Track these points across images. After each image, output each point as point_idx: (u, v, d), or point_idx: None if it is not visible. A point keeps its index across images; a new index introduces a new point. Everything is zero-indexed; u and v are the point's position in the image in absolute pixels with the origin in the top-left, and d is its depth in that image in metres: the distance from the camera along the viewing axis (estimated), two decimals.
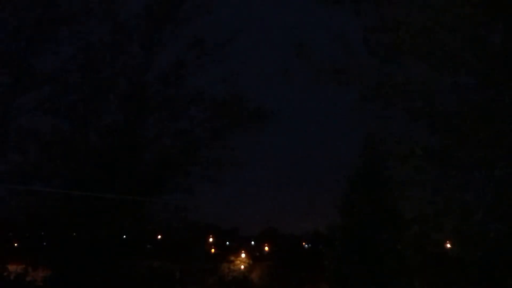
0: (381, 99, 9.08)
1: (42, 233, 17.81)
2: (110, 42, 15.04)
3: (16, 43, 13.65)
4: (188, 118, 15.58)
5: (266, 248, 58.46)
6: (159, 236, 19.64)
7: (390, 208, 16.05)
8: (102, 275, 13.91)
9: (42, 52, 13.93)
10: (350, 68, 9.15)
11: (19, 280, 16.05)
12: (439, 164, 8.95)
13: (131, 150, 14.84)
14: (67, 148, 14.73)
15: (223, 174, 15.85)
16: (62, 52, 14.12)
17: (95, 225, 13.93)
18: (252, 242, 63.02)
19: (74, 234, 15.16)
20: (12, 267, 16.71)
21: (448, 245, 13.15)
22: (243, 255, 47.04)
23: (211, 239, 50.03)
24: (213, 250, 47.96)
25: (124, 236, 15.75)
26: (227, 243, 56.11)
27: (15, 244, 21.23)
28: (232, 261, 43.07)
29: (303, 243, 52.40)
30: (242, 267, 43.36)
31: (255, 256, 51.62)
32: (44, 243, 17.95)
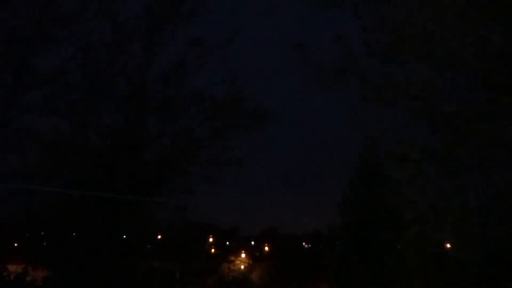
0: (381, 99, 9.07)
1: (42, 233, 17.82)
2: (110, 42, 15.05)
3: (16, 43, 13.64)
4: (188, 118, 15.60)
5: (266, 248, 58.45)
6: (159, 236, 19.64)
7: (390, 208, 16.05)
8: (102, 275, 13.91)
9: (42, 52, 13.93)
10: (350, 68, 9.15)
11: (19, 280, 16.06)
12: (439, 164, 8.95)
13: (131, 150, 14.85)
14: (67, 148, 14.73)
15: (223, 174, 15.87)
16: (62, 52, 14.13)
17: (95, 225, 13.94)
18: (252, 242, 63.02)
19: (74, 234, 15.18)
20: (12, 267, 16.71)
21: (448, 245, 13.15)
22: (243, 255, 47.03)
23: (211, 239, 50.01)
24: (213, 250, 47.94)
25: (124, 236, 15.76)
26: (227, 243, 56.08)
27: (15, 244, 21.23)
28: (232, 261, 43.06)
29: (303, 243, 52.38)
30: (242, 267, 43.36)
31: (255, 256, 51.62)
32: (44, 243, 17.96)
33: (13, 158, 14.08)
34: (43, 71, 14.06)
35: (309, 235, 50.91)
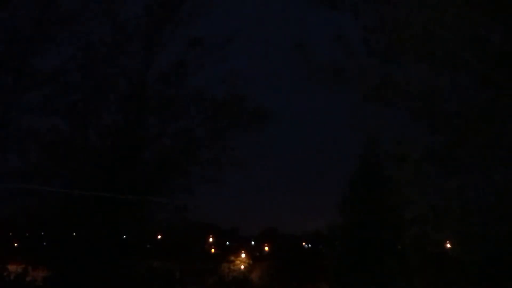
0: (381, 99, 9.07)
1: (42, 233, 17.81)
2: (110, 42, 15.05)
3: (16, 43, 13.64)
4: (188, 118, 15.59)
5: (266, 248, 58.48)
6: (159, 236, 19.64)
7: (390, 208, 16.06)
8: (102, 275, 13.91)
9: (42, 52, 13.92)
10: (350, 68, 9.15)
11: (19, 280, 16.06)
12: (439, 164, 8.95)
13: (131, 150, 14.84)
14: (67, 148, 14.73)
15: (223, 174, 15.85)
16: (62, 52, 14.12)
17: (95, 225, 13.94)
18: (252, 242, 63.04)
19: (74, 234, 15.17)
20: (12, 267, 16.72)
21: (448, 245, 13.16)
22: (243, 255, 47.04)
23: (211, 239, 50.03)
24: (213, 250, 47.96)
25: (124, 236, 15.76)
26: (227, 243, 56.11)
27: (15, 244, 21.23)
28: (232, 261, 43.08)
29: (303, 243, 52.39)
30: (242, 267, 43.38)
31: (255, 256, 51.64)
32: (44, 243, 17.95)
33: (13, 158, 14.08)
34: (43, 71, 14.04)
35: (309, 235, 50.94)
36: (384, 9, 8.74)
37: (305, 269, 39.50)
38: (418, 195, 9.38)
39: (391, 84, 8.84)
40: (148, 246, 19.82)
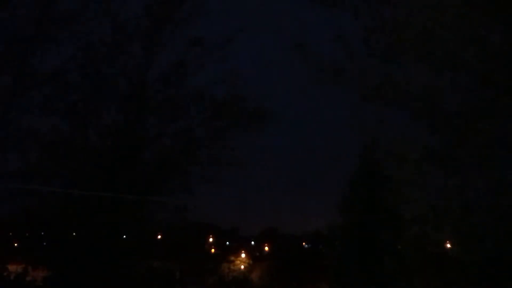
0: (381, 99, 9.07)
1: (42, 233, 17.81)
2: (110, 42, 15.05)
3: (16, 43, 13.64)
4: (188, 118, 15.59)
5: (266, 248, 58.49)
6: (159, 236, 19.63)
7: (390, 208, 16.05)
8: (102, 275, 13.91)
9: (42, 52, 13.92)
10: (350, 68, 9.15)
11: (19, 280, 16.06)
12: (439, 164, 8.95)
13: (131, 150, 14.84)
14: (67, 148, 14.73)
15: (223, 174, 15.86)
16: (62, 52, 14.12)
17: (95, 225, 13.93)
18: (252, 242, 63.05)
19: (74, 234, 15.17)
20: (12, 267, 16.72)
21: (448, 245, 13.15)
22: (243, 255, 47.07)
23: (211, 239, 50.02)
24: (213, 250, 47.94)
25: (124, 236, 15.75)
26: (227, 243, 56.10)
27: (15, 244, 21.22)
28: (232, 261, 43.09)
29: (303, 243, 52.40)
30: (242, 267, 43.39)
31: (255, 256, 51.67)
32: (44, 243, 17.95)
33: (13, 158, 14.08)
34: (43, 71, 14.06)
35: (309, 235, 50.95)
36: (384, 9, 8.74)
37: (305, 269, 39.52)
38: (418, 195, 9.37)
39: (391, 84, 8.85)
40: (148, 246, 19.81)
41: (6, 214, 16.18)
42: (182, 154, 15.58)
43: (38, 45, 13.83)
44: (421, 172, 9.03)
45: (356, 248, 17.79)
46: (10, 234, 20.83)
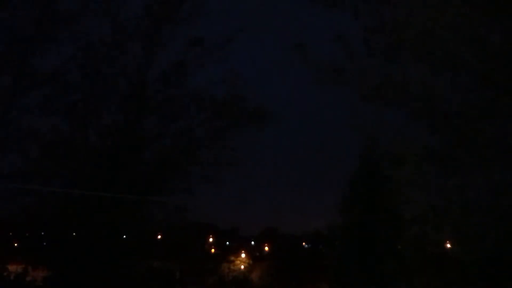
0: (381, 99, 9.07)
1: (42, 233, 17.80)
2: (110, 42, 15.05)
3: (16, 43, 13.64)
4: (188, 118, 15.59)
5: (266, 248, 58.48)
6: (159, 236, 19.63)
7: (390, 208, 16.06)
8: (102, 275, 13.91)
9: (42, 52, 13.93)
10: (350, 68, 9.15)
11: (19, 280, 16.06)
12: (439, 164, 8.95)
13: (131, 150, 14.84)
14: (67, 148, 14.73)
15: (223, 174, 15.86)
16: (62, 52, 14.13)
17: (95, 225, 13.93)
18: (252, 242, 63.06)
19: (74, 234, 15.17)
20: (12, 267, 16.71)
21: (448, 245, 13.16)
22: (243, 255, 47.06)
23: (211, 239, 50.03)
24: (213, 250, 47.94)
25: (124, 236, 15.76)
26: (227, 243, 56.11)
27: (15, 244, 21.22)
28: (232, 261, 43.08)
29: (303, 243, 52.40)
30: (242, 267, 43.38)
31: (255, 256, 51.67)
32: (44, 243, 17.94)
33: (13, 158, 14.09)
34: (43, 71, 14.06)
35: (309, 235, 50.95)
36: (384, 9, 8.74)
37: (305, 269, 39.51)
38: (418, 195, 9.38)
39: (391, 84, 8.85)
40: (148, 246, 19.83)
41: (6, 214, 16.18)
42: (182, 154, 15.58)
43: (38, 45, 13.84)
44: (421, 172, 9.03)
45: (356, 248, 17.79)
46: (10, 234, 20.82)
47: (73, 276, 13.92)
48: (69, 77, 14.58)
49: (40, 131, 14.24)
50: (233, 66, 15.89)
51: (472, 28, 8.15)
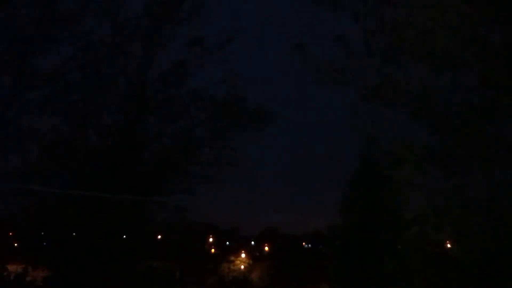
0: (381, 99, 9.07)
1: (42, 233, 17.81)
2: (110, 42, 15.05)
3: (16, 43, 13.64)
4: (188, 118, 15.60)
5: (266, 248, 58.48)
6: (159, 236, 19.64)
7: (390, 208, 16.06)
8: (102, 275, 13.91)
9: (42, 52, 13.93)
10: (350, 68, 9.15)
11: (19, 280, 16.06)
12: (439, 164, 8.95)
13: (131, 150, 14.85)
14: (67, 148, 14.73)
15: (223, 174, 15.87)
16: (62, 52, 14.13)
17: (95, 225, 13.93)
18: (252, 242, 63.04)
19: (74, 234, 15.17)
20: (12, 267, 16.72)
21: (448, 245, 13.15)
22: (243, 255, 47.06)
23: (211, 239, 50.03)
24: (213, 250, 47.94)
25: (124, 236, 15.76)
26: (227, 243, 56.10)
27: (15, 244, 21.22)
28: (232, 261, 43.08)
29: (303, 243, 52.41)
30: (242, 267, 43.38)
31: (255, 256, 51.66)
32: (44, 243, 17.95)
33: (13, 158, 14.09)
34: (43, 71, 14.06)
35: (309, 235, 50.95)
36: (384, 10, 8.74)
37: (305, 269, 39.52)
38: (418, 195, 9.37)
39: (391, 84, 8.84)
40: (148, 246, 19.82)
41: (6, 214, 16.18)
42: (182, 154, 15.59)
43: (38, 45, 13.84)
44: (421, 172, 9.02)
45: (356, 248, 17.78)
46: (10, 234, 20.83)
47: (73, 276, 13.92)
48: (69, 77, 14.60)
49: (40, 131, 14.25)
50: (233, 66, 15.92)
51: (472, 28, 8.15)
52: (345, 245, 18.60)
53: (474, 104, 8.47)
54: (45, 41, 13.86)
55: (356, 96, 9.30)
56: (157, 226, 16.65)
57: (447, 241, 12.62)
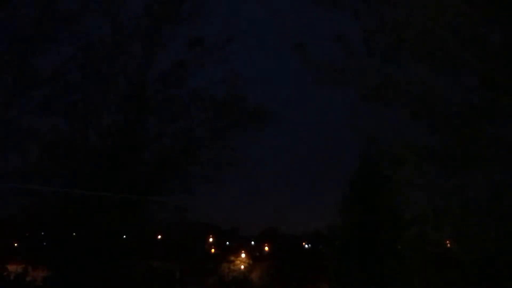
0: (381, 99, 9.07)
1: (42, 233, 17.81)
2: (110, 42, 15.05)
3: (16, 43, 13.64)
4: (188, 118, 15.59)
5: (266, 248, 58.45)
6: (159, 236, 19.64)
7: (390, 208, 16.07)
8: (102, 275, 13.91)
9: (42, 52, 13.93)
10: (350, 68, 9.15)
11: (19, 280, 16.06)
12: (439, 164, 8.95)
13: (131, 150, 14.85)
14: (67, 148, 14.73)
15: (223, 174, 15.86)
16: (62, 52, 14.13)
17: (95, 225, 13.94)
18: (252, 242, 63.00)
19: (74, 234, 15.17)
20: (12, 267, 16.72)
21: (448, 245, 13.14)
22: (243, 255, 47.08)
23: (211, 239, 50.03)
24: (213, 250, 47.95)
25: (124, 236, 15.76)
26: (227, 243, 56.08)
27: (15, 244, 21.22)
28: (232, 261, 43.11)
29: (303, 243, 52.39)
30: (242, 267, 43.40)
31: (255, 256, 51.66)
32: (44, 243, 17.95)
33: (13, 158, 14.08)
34: (43, 71, 14.06)
35: (309, 235, 50.93)
36: (384, 9, 8.74)
37: (305, 269, 39.53)
38: (418, 195, 9.37)
39: (391, 84, 8.84)
40: (148, 246, 19.82)
41: (6, 214, 16.18)
42: (182, 154, 15.58)
43: (38, 45, 13.84)
44: (421, 172, 9.02)
45: (356, 248, 17.79)
46: (10, 234, 20.82)
47: (73, 276, 13.92)
48: (69, 77, 14.59)
49: (40, 131, 14.25)
50: (233, 66, 15.91)
51: (472, 28, 8.15)
52: (345, 245, 18.62)
53: (474, 104, 8.47)
54: (45, 41, 13.85)
55: (356, 96, 9.31)
56: (157, 226, 16.65)
57: (447, 241, 12.61)
